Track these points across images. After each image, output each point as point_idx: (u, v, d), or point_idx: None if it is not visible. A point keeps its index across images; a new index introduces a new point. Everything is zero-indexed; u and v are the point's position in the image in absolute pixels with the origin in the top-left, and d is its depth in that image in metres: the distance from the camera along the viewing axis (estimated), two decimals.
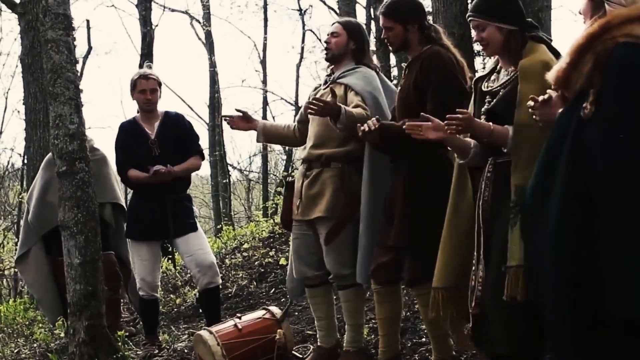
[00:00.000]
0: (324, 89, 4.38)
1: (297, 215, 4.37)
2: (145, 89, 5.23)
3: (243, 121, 4.64)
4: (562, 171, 2.68)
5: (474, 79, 3.57)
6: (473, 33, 3.43)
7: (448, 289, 3.45)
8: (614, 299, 2.55)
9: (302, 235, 4.39)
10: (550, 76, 2.75)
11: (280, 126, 4.74)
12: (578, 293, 2.63)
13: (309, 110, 4.12)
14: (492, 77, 3.44)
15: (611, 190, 2.53)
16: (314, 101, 4.06)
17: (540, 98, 2.89)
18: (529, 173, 3.09)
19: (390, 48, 4.12)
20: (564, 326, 2.67)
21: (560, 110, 2.81)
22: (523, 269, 3.02)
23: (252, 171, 25.90)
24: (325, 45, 4.40)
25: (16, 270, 12.66)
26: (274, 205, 14.98)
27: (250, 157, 27.10)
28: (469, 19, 3.38)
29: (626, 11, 2.62)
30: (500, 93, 3.33)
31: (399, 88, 4.07)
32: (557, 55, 3.24)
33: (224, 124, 4.70)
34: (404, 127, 3.51)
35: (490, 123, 3.28)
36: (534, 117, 2.95)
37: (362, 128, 3.83)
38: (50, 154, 6.02)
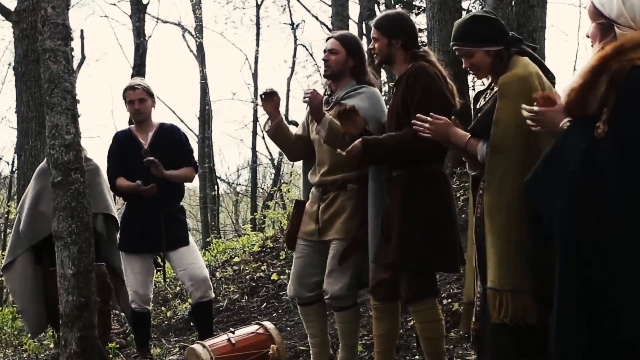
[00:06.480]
0: (327, 109, 4.31)
1: (310, 236, 4.33)
2: (133, 99, 5.24)
3: (274, 102, 4.34)
4: (571, 192, 2.64)
5: (474, 94, 3.59)
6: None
7: (467, 304, 3.50)
8: (627, 319, 2.53)
9: (306, 254, 4.36)
10: (562, 99, 2.73)
11: (292, 132, 4.53)
12: (587, 315, 2.60)
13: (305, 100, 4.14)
14: (487, 94, 3.45)
15: (629, 212, 2.52)
16: (307, 92, 4.10)
17: (538, 104, 2.83)
18: (499, 197, 3.09)
19: (375, 60, 4.15)
20: (570, 349, 2.65)
21: (564, 121, 2.78)
22: (500, 293, 3.06)
23: (239, 184, 25.92)
24: (324, 62, 4.34)
25: (1, 278, 12.56)
26: (262, 217, 14.92)
27: (238, 170, 27.12)
28: (454, 47, 3.38)
29: (637, 35, 2.61)
30: (483, 110, 3.34)
31: (388, 106, 4.08)
32: (541, 65, 3.25)
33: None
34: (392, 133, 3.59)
35: (468, 134, 3.31)
36: (530, 124, 2.89)
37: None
38: (42, 163, 5.99)
